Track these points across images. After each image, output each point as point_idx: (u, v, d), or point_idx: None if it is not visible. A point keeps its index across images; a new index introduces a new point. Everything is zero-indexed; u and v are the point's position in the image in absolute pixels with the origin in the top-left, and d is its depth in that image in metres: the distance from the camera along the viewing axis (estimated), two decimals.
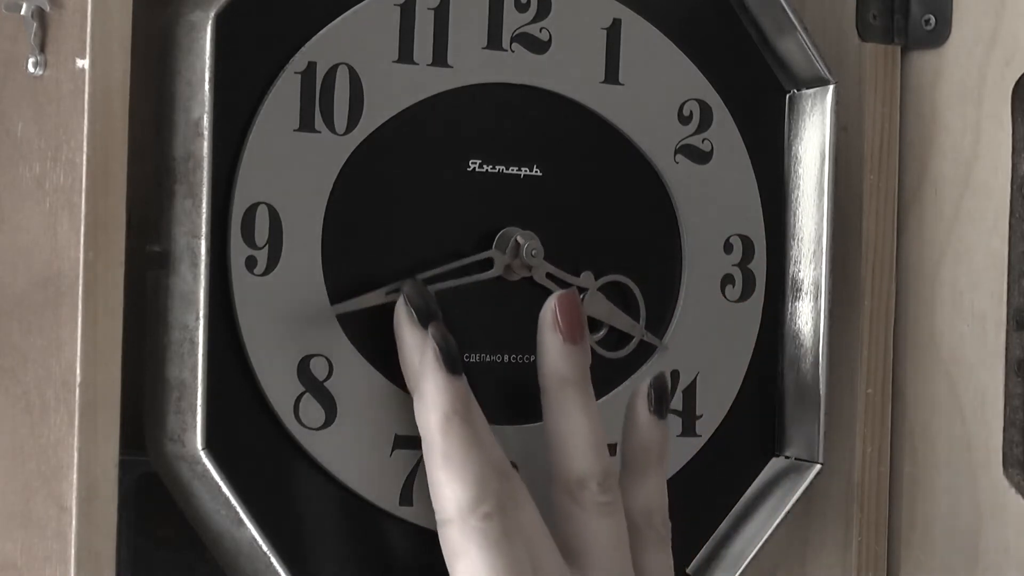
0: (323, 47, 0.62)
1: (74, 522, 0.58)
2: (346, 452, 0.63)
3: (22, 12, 0.60)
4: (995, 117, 0.74)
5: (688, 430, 0.70)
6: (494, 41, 0.66)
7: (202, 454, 0.60)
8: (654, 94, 0.69)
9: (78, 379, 0.58)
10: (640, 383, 0.66)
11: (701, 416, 0.71)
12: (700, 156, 0.70)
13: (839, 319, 0.73)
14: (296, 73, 0.62)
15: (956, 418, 0.75)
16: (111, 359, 0.59)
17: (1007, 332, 0.74)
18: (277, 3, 0.62)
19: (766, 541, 0.71)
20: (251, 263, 0.61)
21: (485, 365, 0.66)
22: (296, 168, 0.62)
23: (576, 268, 0.68)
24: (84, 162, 0.58)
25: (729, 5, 0.71)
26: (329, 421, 0.63)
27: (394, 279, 0.64)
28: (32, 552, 0.60)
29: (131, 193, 0.59)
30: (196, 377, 0.60)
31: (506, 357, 0.67)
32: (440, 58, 0.65)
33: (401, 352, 0.63)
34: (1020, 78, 0.73)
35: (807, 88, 0.73)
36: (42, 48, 0.60)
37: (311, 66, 0.62)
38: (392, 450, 0.64)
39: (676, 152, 0.70)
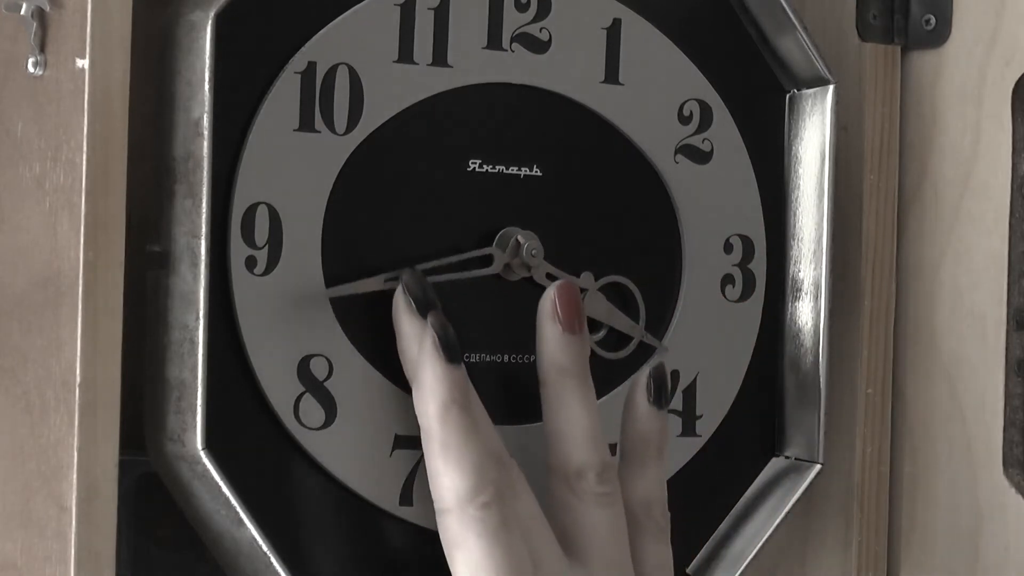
0: (323, 47, 0.62)
1: (74, 522, 0.58)
2: (346, 452, 0.63)
3: (22, 12, 0.60)
4: (995, 117, 0.74)
5: (688, 430, 0.70)
6: (494, 41, 0.66)
7: (202, 454, 0.60)
8: (654, 94, 0.69)
9: (78, 379, 0.58)
10: (639, 373, 0.66)
11: (701, 416, 0.71)
12: (700, 156, 0.70)
13: (839, 319, 0.73)
14: (296, 73, 0.62)
15: (956, 418, 0.75)
16: (111, 359, 0.59)
17: (1007, 332, 0.74)
18: (277, 3, 0.62)
19: (766, 541, 0.71)
20: (251, 263, 0.61)
21: (485, 365, 0.66)
22: (296, 168, 0.62)
23: (576, 268, 0.68)
24: (84, 162, 0.58)
25: (729, 5, 0.71)
26: (329, 421, 0.63)
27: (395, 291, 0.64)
28: (32, 552, 0.60)
29: (131, 193, 0.59)
30: (196, 377, 0.60)
31: (506, 357, 0.67)
32: (440, 58, 0.65)
33: (400, 342, 0.63)
34: (1020, 78, 0.73)
35: (807, 88, 0.73)
36: (42, 48, 0.60)
37: (311, 66, 0.62)
38: (392, 450, 0.64)
39: (676, 152, 0.70)
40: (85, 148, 0.58)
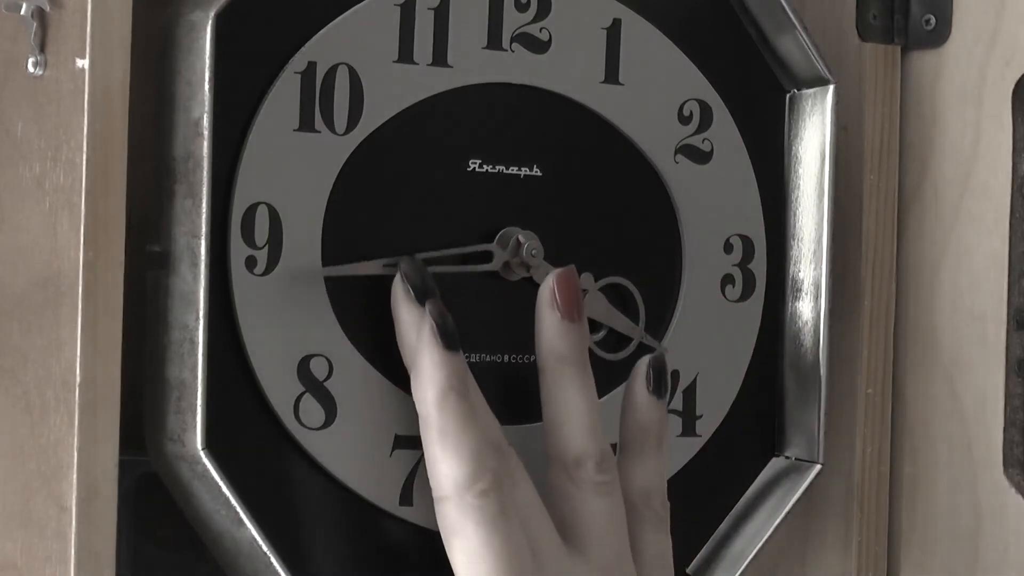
0: (323, 47, 0.62)
1: (74, 522, 0.58)
2: (346, 452, 0.63)
3: (22, 12, 0.60)
4: (995, 117, 0.74)
5: (688, 430, 0.70)
6: (494, 41, 0.66)
7: (202, 454, 0.60)
8: (654, 94, 0.69)
9: (78, 379, 0.58)
10: (639, 364, 0.66)
11: (701, 416, 0.71)
12: (700, 156, 0.70)
13: (839, 319, 0.73)
14: (296, 73, 0.62)
15: (956, 418, 0.75)
16: (111, 359, 0.59)
17: (1007, 332, 0.74)
18: (277, 3, 0.62)
19: (766, 541, 0.71)
20: (251, 263, 0.61)
21: (485, 365, 0.66)
22: (296, 168, 0.62)
23: (576, 269, 0.68)
24: (84, 162, 0.58)
25: (729, 5, 0.71)
26: (329, 421, 0.63)
27: (394, 279, 0.64)
28: (32, 552, 0.60)
29: (131, 193, 0.59)
30: (196, 377, 0.60)
31: (506, 357, 0.67)
32: (440, 58, 0.65)
33: (398, 329, 0.63)
34: (1020, 78, 0.73)
35: (807, 88, 0.73)
36: (42, 48, 0.60)
37: (311, 66, 0.62)
38: (392, 450, 0.64)
39: (676, 152, 0.70)
40: (85, 148, 0.58)
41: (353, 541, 0.64)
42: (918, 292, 0.76)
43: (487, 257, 0.66)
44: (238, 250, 0.61)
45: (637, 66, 0.69)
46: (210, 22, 0.59)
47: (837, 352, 0.73)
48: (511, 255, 0.66)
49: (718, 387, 0.71)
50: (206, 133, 0.60)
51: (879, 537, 0.76)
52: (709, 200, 0.71)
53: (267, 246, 0.61)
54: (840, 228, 0.73)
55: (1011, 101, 0.74)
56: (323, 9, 0.63)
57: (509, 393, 0.66)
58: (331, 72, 0.63)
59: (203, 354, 0.60)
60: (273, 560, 0.61)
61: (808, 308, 0.73)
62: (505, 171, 0.67)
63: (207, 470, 0.60)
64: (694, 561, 0.71)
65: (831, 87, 0.72)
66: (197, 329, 0.60)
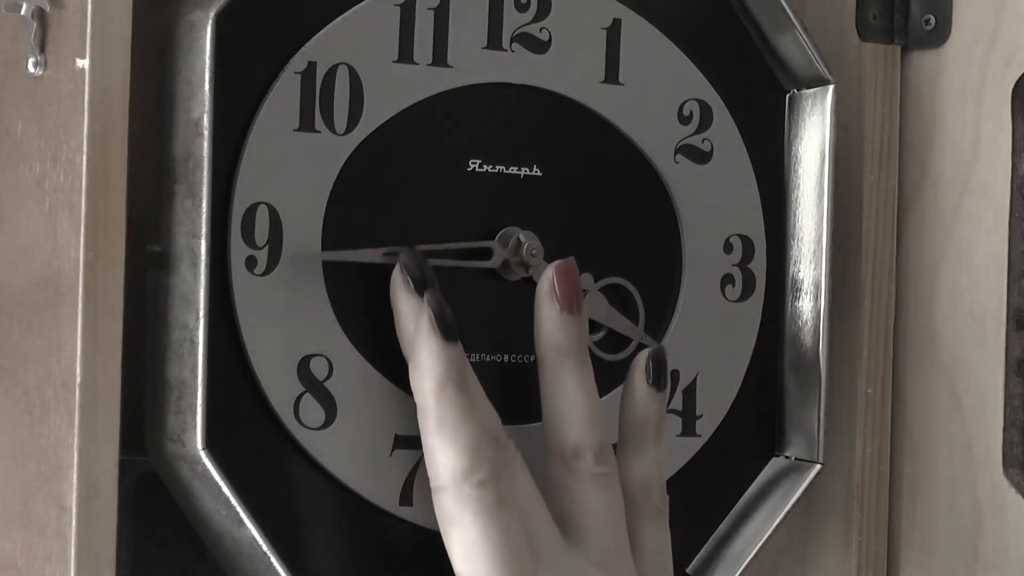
0: (323, 47, 0.62)
1: (74, 522, 0.58)
2: (346, 452, 0.63)
3: (22, 12, 0.60)
4: (995, 117, 0.74)
5: (688, 430, 0.70)
6: (494, 41, 0.66)
7: (202, 454, 0.60)
8: (654, 94, 0.69)
9: (78, 379, 0.58)
10: (639, 356, 0.66)
11: (701, 416, 0.71)
12: (700, 156, 0.70)
13: (839, 319, 0.73)
14: (296, 73, 0.62)
15: (956, 418, 0.75)
16: (111, 359, 0.59)
17: (1007, 332, 0.74)
18: (277, 3, 0.62)
19: (766, 541, 0.71)
20: (251, 263, 0.61)
21: (485, 365, 0.66)
22: (296, 168, 0.62)
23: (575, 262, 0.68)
24: (84, 162, 0.58)
25: (729, 5, 0.71)
26: (329, 421, 0.63)
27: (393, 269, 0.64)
28: (32, 552, 0.60)
29: (131, 193, 0.59)
30: (196, 377, 0.60)
31: (506, 357, 0.67)
32: (440, 58, 0.65)
33: (397, 320, 0.63)
34: (1020, 78, 0.73)
35: (807, 88, 0.73)
36: (42, 48, 0.60)
37: (311, 66, 0.62)
38: (392, 450, 0.64)
39: (676, 152, 0.70)
40: (85, 148, 0.58)
41: (353, 541, 0.64)
42: (918, 292, 0.76)
43: (487, 254, 0.66)
44: (238, 250, 0.61)
45: (637, 66, 0.69)
46: (210, 22, 0.59)
47: (837, 352, 0.73)
48: (511, 254, 0.66)
49: (718, 387, 0.71)
50: (206, 133, 0.60)
51: (879, 537, 0.76)
52: (709, 200, 0.71)
53: (267, 246, 0.61)
54: (840, 228, 0.73)
55: (1011, 101, 0.74)
56: (323, 9, 0.63)
57: (508, 393, 0.66)
58: (331, 72, 0.63)
59: (203, 354, 0.60)
60: (273, 560, 0.61)
61: (808, 308, 0.73)
62: (505, 171, 0.67)
63: (207, 470, 0.60)
64: (694, 561, 0.71)
65: (831, 87, 0.72)
66: (197, 329, 0.60)
